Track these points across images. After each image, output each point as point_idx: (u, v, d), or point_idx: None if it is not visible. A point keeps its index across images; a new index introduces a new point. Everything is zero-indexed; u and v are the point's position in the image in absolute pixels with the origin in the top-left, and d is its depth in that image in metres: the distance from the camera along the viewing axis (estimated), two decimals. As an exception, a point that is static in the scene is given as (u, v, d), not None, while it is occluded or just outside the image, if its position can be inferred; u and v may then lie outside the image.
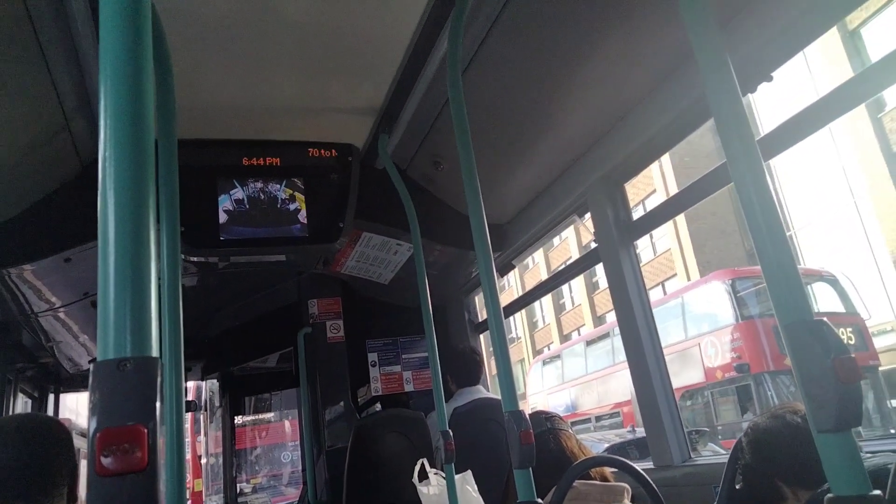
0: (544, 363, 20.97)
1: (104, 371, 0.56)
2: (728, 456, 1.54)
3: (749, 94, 1.98)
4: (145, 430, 0.55)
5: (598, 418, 16.68)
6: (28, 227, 2.43)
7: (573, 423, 17.03)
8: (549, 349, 30.49)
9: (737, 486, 1.47)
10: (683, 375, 13.01)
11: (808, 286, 13.55)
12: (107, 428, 0.54)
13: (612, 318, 21.65)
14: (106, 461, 0.53)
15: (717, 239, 20.89)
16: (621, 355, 13.52)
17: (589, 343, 18.02)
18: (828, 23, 1.71)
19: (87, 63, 1.94)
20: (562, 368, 19.19)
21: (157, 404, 0.57)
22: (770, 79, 1.85)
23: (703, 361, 13.07)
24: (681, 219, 20.79)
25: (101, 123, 0.65)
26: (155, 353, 0.59)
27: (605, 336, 16.92)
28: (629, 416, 14.52)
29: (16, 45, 1.74)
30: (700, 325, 13.39)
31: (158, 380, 0.58)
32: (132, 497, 0.53)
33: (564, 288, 27.85)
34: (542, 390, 20.00)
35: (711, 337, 12.91)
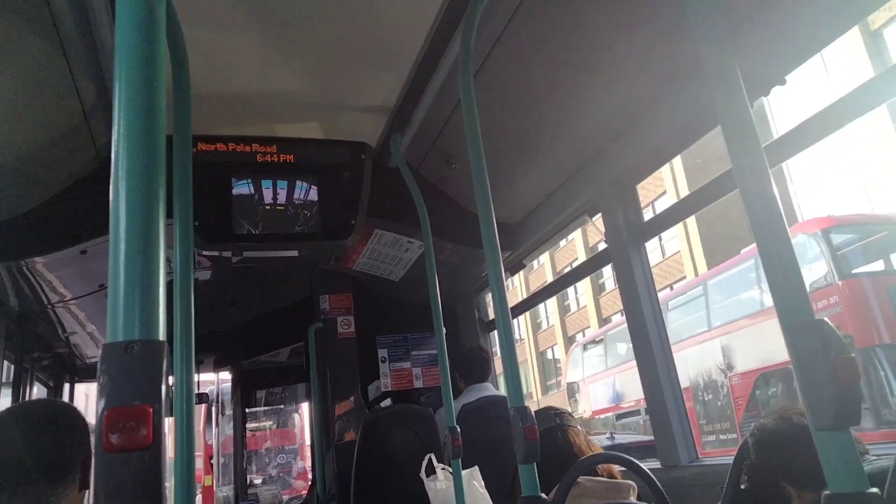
0: (584, 348, 18.35)
1: (112, 353, 0.59)
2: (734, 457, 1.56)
3: (762, 98, 1.99)
4: (151, 410, 0.57)
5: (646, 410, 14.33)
6: (46, 219, 2.47)
7: (619, 417, 15.08)
8: (552, 351, 30.01)
9: (742, 487, 1.48)
10: (759, 355, 10.66)
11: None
12: (114, 407, 0.56)
13: (617, 319, 21.00)
14: (113, 438, 0.55)
15: (728, 243, 20.72)
16: (677, 334, 11.66)
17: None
18: (844, 26, 1.70)
19: (106, 58, 1.97)
20: (605, 353, 16.60)
21: (163, 386, 0.59)
22: (784, 82, 1.85)
23: (787, 336, 11.00)
24: (691, 222, 20.63)
25: (115, 118, 0.67)
26: (162, 337, 0.61)
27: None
28: (687, 409, 12.63)
29: (36, 38, 1.77)
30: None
31: (165, 362, 0.60)
32: (137, 472, 0.56)
33: (570, 290, 27.70)
34: (581, 378, 17.52)
35: (798, 305, 10.86)
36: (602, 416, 16.17)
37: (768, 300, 9.90)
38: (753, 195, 0.95)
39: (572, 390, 18.11)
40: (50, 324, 3.46)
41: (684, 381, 11.47)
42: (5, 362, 3.01)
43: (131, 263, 0.62)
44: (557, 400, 25.22)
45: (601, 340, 17.33)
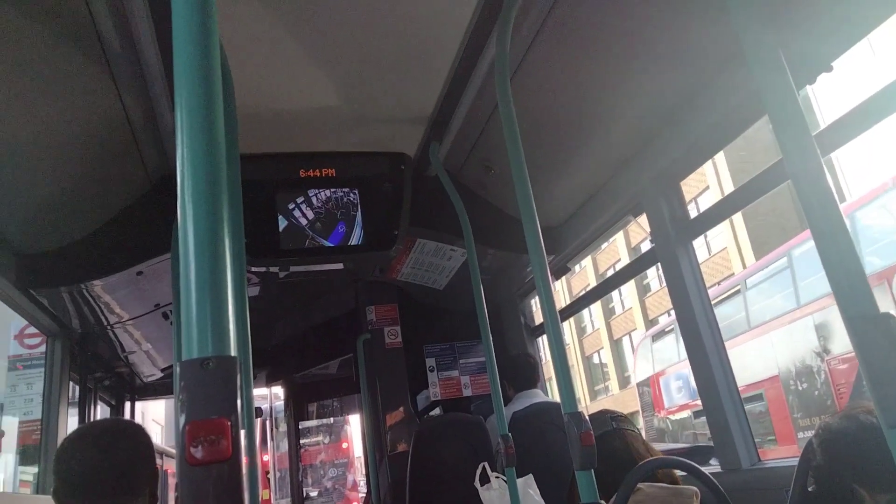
0: (654, 339, 16.29)
1: (190, 369, 0.61)
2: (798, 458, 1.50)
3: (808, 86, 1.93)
4: (228, 423, 0.59)
5: (732, 405, 11.96)
6: (103, 242, 2.57)
7: (696, 415, 13.29)
8: (598, 355, 29.35)
9: (809, 489, 1.43)
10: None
11: None
12: (195, 421, 0.59)
13: (664, 321, 20.16)
14: (195, 451, 0.58)
15: (778, 236, 20.15)
16: (760, 315, 10.56)
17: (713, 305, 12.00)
18: (893, 7, 1.65)
19: (152, 81, 2.03)
20: (677, 343, 13.97)
21: (238, 399, 0.61)
22: (830, 69, 1.80)
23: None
24: (737, 216, 20.10)
25: (178, 143, 0.70)
26: (233, 352, 0.63)
27: (736, 293, 11.92)
28: (777, 400, 10.24)
29: (85, 63, 1.84)
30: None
31: (238, 377, 0.62)
32: (219, 483, 0.58)
33: (614, 292, 27.18)
34: (652, 373, 15.35)
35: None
36: (677, 417, 14.16)
37: (873, 263, 8.55)
38: (807, 186, 0.93)
39: (643, 388, 15.69)
40: (110, 344, 3.59)
41: (772, 369, 10.25)
42: (70, 383, 3.13)
43: (201, 282, 0.64)
44: (617, 402, 24.71)
45: (671, 330, 14.96)
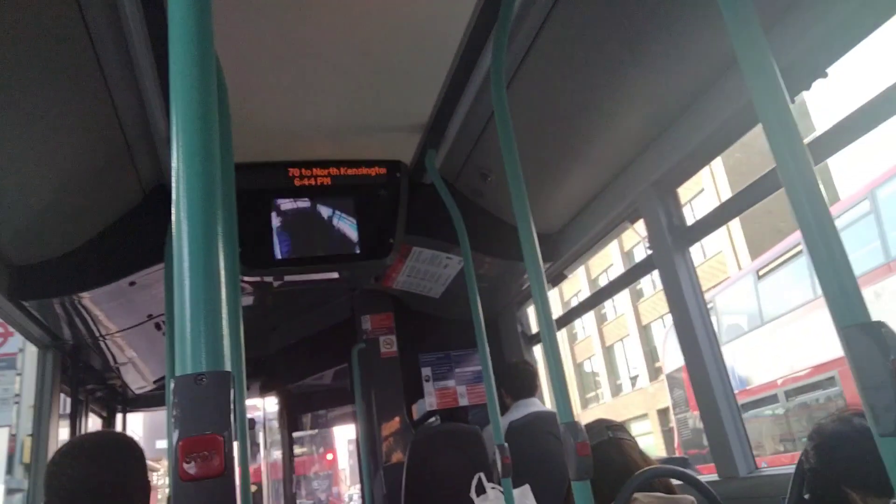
0: None
1: (183, 385, 0.61)
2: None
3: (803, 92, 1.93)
4: (222, 439, 0.59)
5: (789, 394, 9.22)
6: (97, 253, 2.55)
7: (744, 405, 10.03)
8: (590, 363, 29.06)
9: (805, 497, 1.42)
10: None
11: None
12: (188, 437, 0.58)
13: (656, 326, 19.74)
14: (188, 467, 0.57)
15: (774, 239, 20.17)
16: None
17: (762, 275, 10.31)
18: (890, 11, 1.65)
19: (147, 91, 2.02)
20: (717, 322, 11.57)
21: (231, 415, 0.61)
22: (825, 75, 1.80)
23: None
24: (733, 220, 20.00)
25: (174, 154, 0.69)
26: (227, 367, 0.63)
27: (796, 255, 9.45)
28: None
29: (81, 78, 1.83)
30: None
31: (231, 392, 0.62)
32: (211, 499, 0.57)
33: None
34: (680, 365, 12.14)
35: None
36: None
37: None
38: (799, 194, 0.93)
39: (674, 383, 13.44)
40: (102, 356, 3.56)
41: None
42: (62, 395, 3.09)
43: (195, 296, 0.64)
44: (610, 411, 24.58)
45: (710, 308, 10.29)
